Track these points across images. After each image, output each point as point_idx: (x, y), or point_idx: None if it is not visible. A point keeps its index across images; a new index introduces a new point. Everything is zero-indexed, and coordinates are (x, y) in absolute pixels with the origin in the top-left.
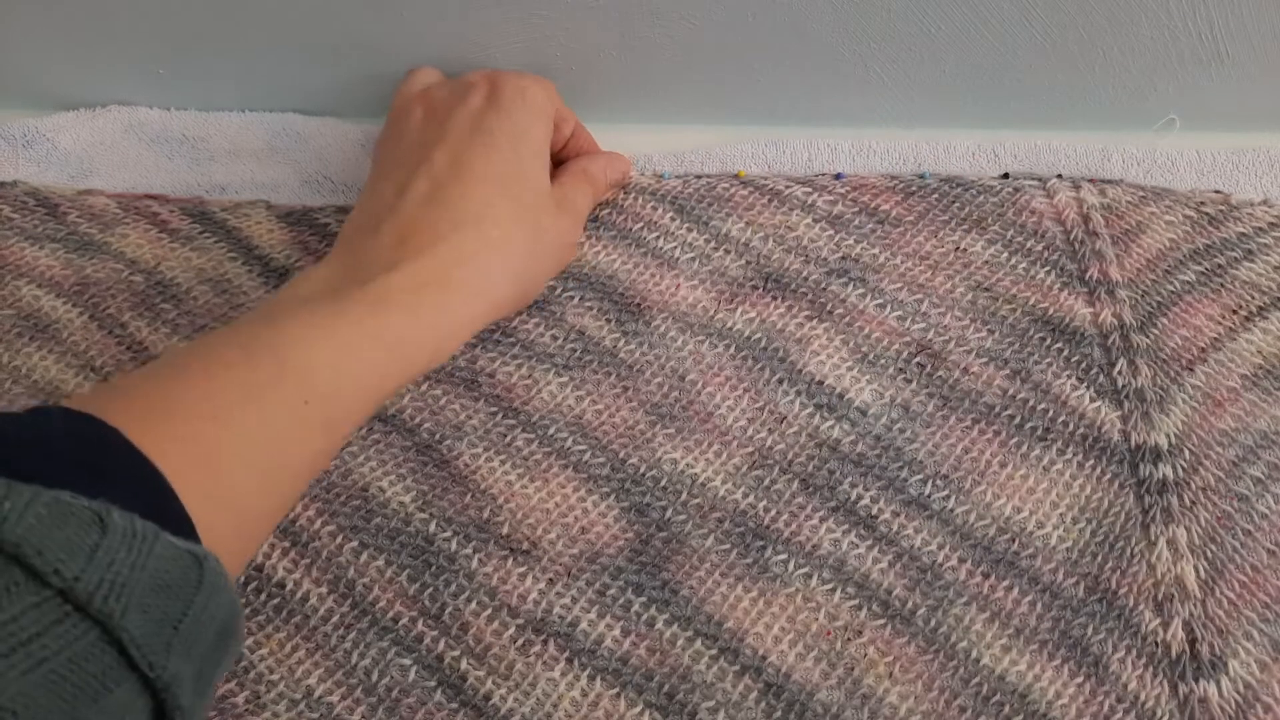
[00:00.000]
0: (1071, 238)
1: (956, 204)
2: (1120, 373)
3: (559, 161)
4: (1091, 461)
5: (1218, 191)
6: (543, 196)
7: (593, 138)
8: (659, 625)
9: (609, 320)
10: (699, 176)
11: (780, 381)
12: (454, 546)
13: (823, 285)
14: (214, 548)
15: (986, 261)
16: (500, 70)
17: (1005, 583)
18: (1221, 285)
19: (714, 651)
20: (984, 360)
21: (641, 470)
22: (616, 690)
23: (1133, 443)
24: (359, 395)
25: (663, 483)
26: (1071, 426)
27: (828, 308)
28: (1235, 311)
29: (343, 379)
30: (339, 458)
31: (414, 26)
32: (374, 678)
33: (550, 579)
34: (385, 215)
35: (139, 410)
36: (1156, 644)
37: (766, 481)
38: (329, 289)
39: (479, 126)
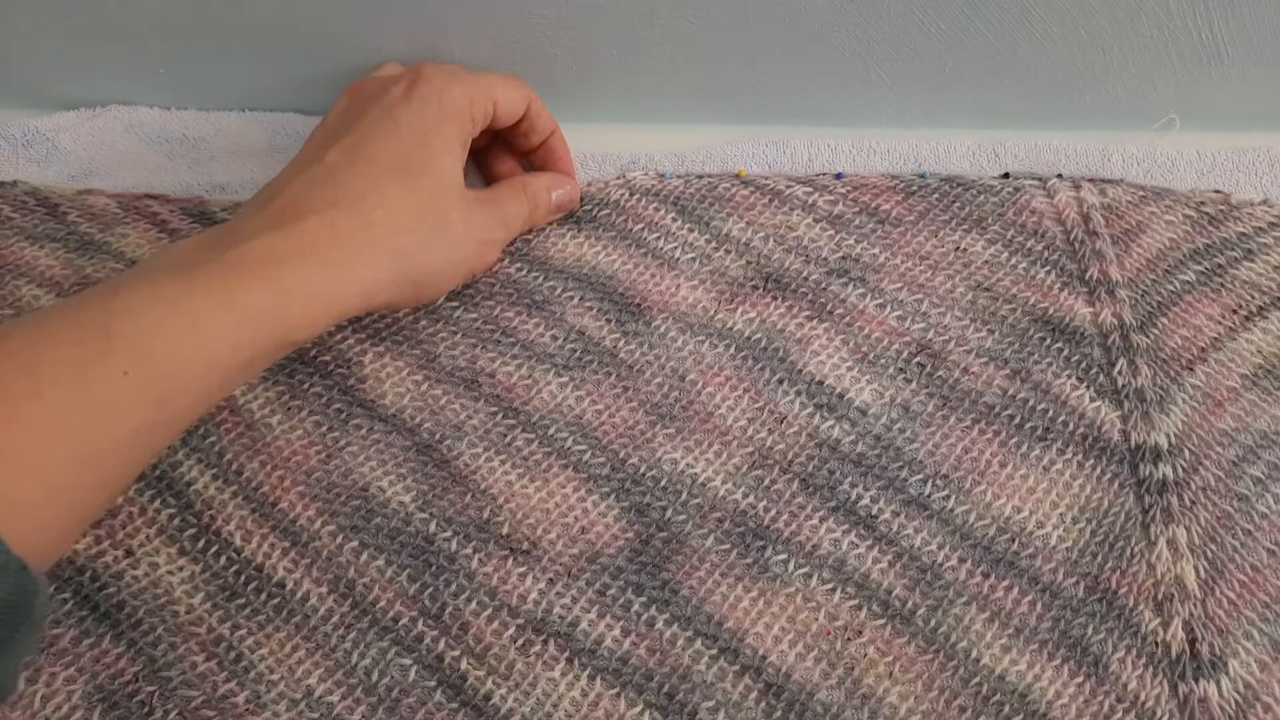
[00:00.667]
0: (1071, 237)
1: (957, 204)
2: (1120, 373)
3: (531, 164)
4: (1091, 461)
5: (1218, 191)
6: (448, 191)
7: (569, 153)
8: (659, 625)
9: (609, 320)
10: (700, 176)
11: (780, 381)
12: (454, 546)
13: (823, 285)
14: (26, 523)
15: (986, 261)
16: (436, 65)
17: (1005, 583)
18: (1221, 285)
19: (714, 651)
20: (984, 360)
21: (641, 470)
22: (616, 690)
23: (1133, 443)
24: (203, 368)
25: (663, 483)
26: (1071, 426)
27: (828, 308)
28: (1235, 311)
29: (182, 350)
30: (338, 457)
31: (413, 25)
32: (374, 678)
33: (550, 579)
34: (271, 194)
35: None
36: (1156, 644)
37: (766, 481)
38: (183, 261)
39: (386, 116)
